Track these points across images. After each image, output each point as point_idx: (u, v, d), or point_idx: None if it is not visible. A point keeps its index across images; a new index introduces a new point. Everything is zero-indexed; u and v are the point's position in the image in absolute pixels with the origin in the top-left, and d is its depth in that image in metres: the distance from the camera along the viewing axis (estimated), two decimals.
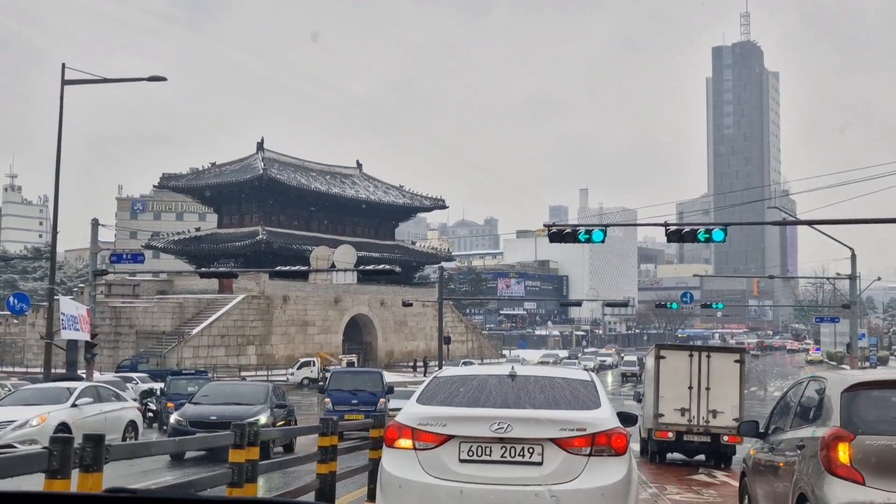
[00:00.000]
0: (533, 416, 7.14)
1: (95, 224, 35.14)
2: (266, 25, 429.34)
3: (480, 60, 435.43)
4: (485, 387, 7.71)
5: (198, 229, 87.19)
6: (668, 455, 20.96)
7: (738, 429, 9.81)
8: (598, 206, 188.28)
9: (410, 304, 69.64)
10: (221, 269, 41.11)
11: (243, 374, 66.96)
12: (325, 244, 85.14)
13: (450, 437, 7.11)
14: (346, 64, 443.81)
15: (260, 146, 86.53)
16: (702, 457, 20.45)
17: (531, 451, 7.03)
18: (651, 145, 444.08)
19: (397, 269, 30.31)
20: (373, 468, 11.94)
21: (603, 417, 7.27)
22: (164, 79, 24.91)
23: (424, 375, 75.22)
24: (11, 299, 28.81)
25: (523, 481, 6.96)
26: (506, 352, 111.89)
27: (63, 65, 24.46)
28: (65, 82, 24.53)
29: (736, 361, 20.08)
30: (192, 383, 31.58)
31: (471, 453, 7.08)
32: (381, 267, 30.39)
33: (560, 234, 23.86)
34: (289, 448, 20.55)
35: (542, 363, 72.03)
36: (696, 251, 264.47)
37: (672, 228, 23.42)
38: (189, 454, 18.87)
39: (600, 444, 7.06)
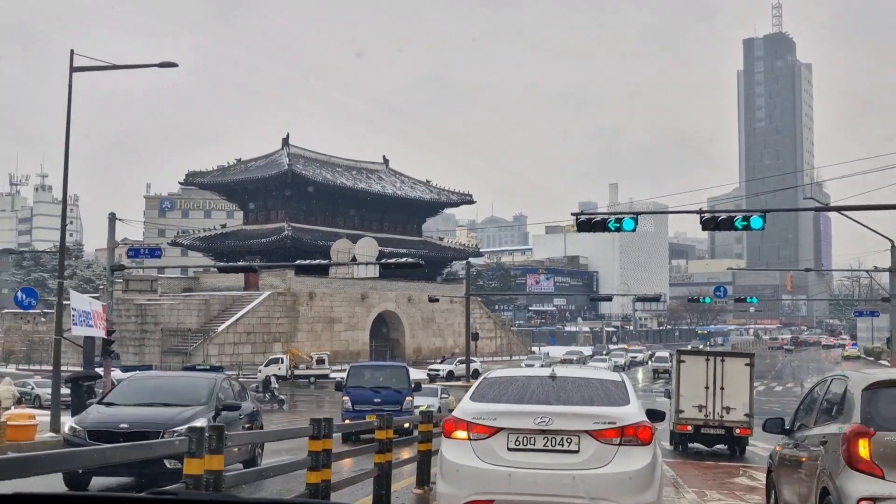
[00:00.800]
0: (570, 412, 8.21)
1: (113, 219, 34.36)
2: (293, 23, 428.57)
3: (512, 55, 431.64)
4: (529, 386, 8.80)
5: (223, 226, 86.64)
6: (690, 445, 24.09)
7: (764, 425, 9.99)
8: (628, 201, 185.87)
9: (437, 300, 68.50)
10: (241, 264, 39.70)
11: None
12: (351, 240, 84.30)
13: (499, 430, 8.21)
14: (376, 60, 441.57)
15: (285, 142, 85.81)
16: (724, 447, 23.40)
17: (569, 441, 8.12)
18: (682, 140, 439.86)
19: (421, 262, 29.06)
20: (420, 458, 13.41)
21: (631, 413, 8.33)
22: (174, 65, 23.99)
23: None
24: (20, 294, 28.02)
25: (562, 466, 8.06)
26: (534, 348, 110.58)
27: (71, 51, 23.60)
28: (73, 69, 23.66)
29: (746, 364, 23.07)
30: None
31: (517, 443, 8.19)
32: (403, 260, 29.25)
33: (589, 223, 22.69)
34: (251, 463, 14.92)
35: (565, 361, 70.80)
36: (727, 246, 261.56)
37: (707, 216, 22.16)
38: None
39: (628, 436, 8.12)
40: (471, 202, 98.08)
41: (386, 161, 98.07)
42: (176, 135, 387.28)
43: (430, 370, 68.93)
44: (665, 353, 76.22)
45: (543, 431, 8.15)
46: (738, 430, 22.47)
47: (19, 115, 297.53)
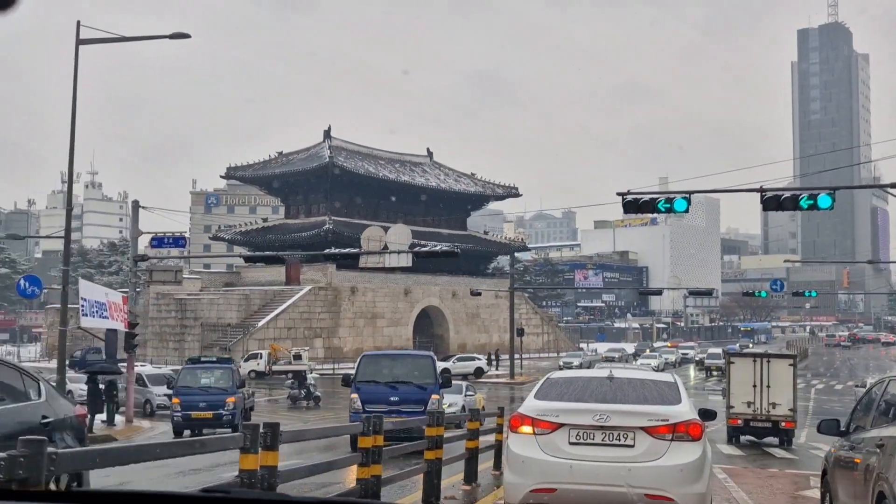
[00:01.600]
0: (626, 409, 8.83)
1: (136, 206, 32.97)
2: (346, 18, 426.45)
3: (567, 48, 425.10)
4: (588, 386, 9.50)
5: (265, 220, 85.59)
6: (742, 437, 26.46)
7: (819, 426, 9.91)
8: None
9: (479, 294, 66.63)
10: (267, 254, 37.05)
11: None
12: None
13: (561, 425, 8.85)
14: (428, 54, 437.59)
15: (327, 134, 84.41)
16: (774, 440, 25.78)
17: (625, 436, 8.72)
18: (735, 133, 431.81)
19: (457, 250, 26.94)
20: (469, 456, 14.01)
21: (683, 411, 8.93)
22: (187, 35, 22.30)
23: (496, 369, 72.15)
24: (23, 282, 26.59)
25: (619, 459, 8.64)
26: (582, 345, 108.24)
27: (77, 23, 22.08)
28: (79, 42, 22.10)
29: (790, 365, 25.67)
30: (208, 374, 28.32)
31: (578, 437, 8.80)
32: (437, 248, 27.23)
33: (636, 204, 20.58)
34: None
35: (607, 359, 68.52)
36: (781, 241, 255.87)
37: (769, 195, 19.91)
38: None
39: (680, 432, 8.70)
40: (516, 195, 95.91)
41: (430, 154, 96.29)
42: (221, 132, 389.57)
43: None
44: (717, 350, 73.53)
45: (601, 427, 8.77)
46: (783, 424, 25.00)
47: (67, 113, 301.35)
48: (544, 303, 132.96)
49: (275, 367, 55.77)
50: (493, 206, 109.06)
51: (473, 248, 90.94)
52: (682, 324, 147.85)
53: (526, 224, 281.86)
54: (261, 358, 60.77)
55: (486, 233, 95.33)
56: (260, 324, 70.75)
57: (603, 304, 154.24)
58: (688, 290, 58.37)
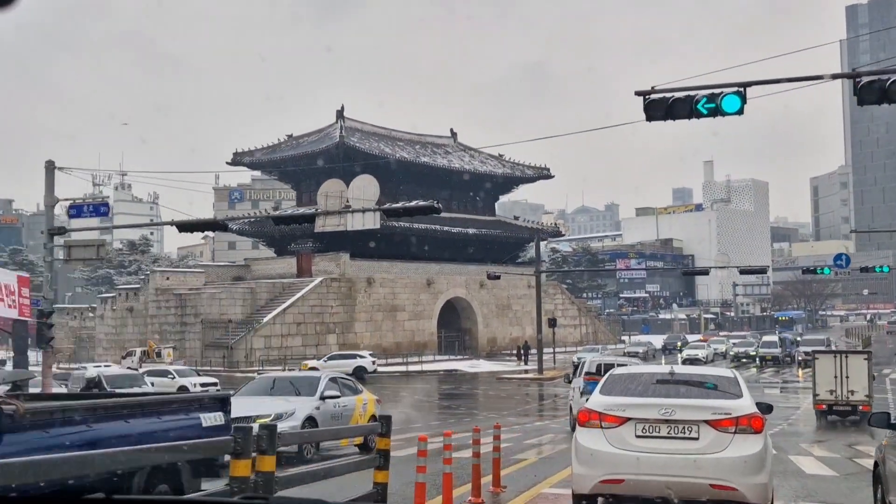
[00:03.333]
0: (691, 404, 9.32)
1: (51, 168, 26.79)
2: (395, 12, 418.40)
3: (613, 39, 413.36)
4: (651, 381, 10.03)
5: (275, 208, 79.67)
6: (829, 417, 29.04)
7: (869, 420, 10.04)
8: (724, 179, 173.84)
9: (498, 277, 59.88)
10: (216, 220, 30.15)
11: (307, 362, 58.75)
12: (415, 221, 76.19)
13: (628, 419, 9.31)
14: (474, 47, 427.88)
15: (340, 114, 78.14)
16: (856, 418, 28.15)
17: (690, 429, 9.14)
18: (782, 119, 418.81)
19: (437, 205, 20.40)
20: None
21: (745, 405, 9.39)
22: None
23: (525, 364, 65.49)
24: None
25: (684, 451, 9.07)
26: (625, 337, 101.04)
27: None
28: None
29: (864, 359, 29.48)
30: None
31: (644, 431, 9.25)
32: (413, 204, 20.70)
33: (665, 105, 13.82)
34: None
35: (629, 354, 61.94)
36: (833, 227, 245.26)
37: (866, 79, 13.04)
38: None
39: (742, 425, 9.12)
40: (548, 176, 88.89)
41: (454, 135, 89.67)
42: (254, 129, 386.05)
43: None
44: (773, 338, 66.18)
45: (667, 421, 9.12)
46: (861, 407, 28.11)
47: (98, 115, 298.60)
48: (584, 294, 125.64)
49: (145, 367, 48.90)
50: (531, 197, 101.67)
51: (502, 235, 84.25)
52: (732, 313, 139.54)
53: (568, 218, 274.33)
54: (134, 355, 55.10)
55: (516, 218, 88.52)
56: (265, 319, 64.71)
57: (647, 295, 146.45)
58: (739, 268, 51.08)
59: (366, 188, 20.46)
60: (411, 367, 61.12)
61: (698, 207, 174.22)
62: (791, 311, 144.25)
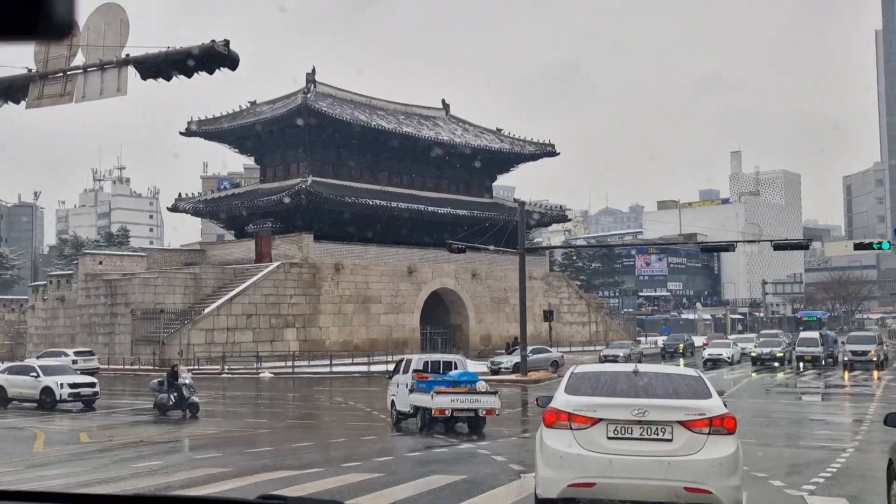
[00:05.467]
0: (664, 404, 8.92)
1: None
2: (424, 9, 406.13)
3: (647, 38, 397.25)
4: (616, 380, 9.52)
5: (236, 185, 69.69)
6: None
7: (886, 419, 9.88)
8: (753, 171, 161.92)
9: (462, 250, 48.88)
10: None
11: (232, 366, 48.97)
12: (395, 200, 66.09)
13: (599, 420, 8.89)
14: (506, 46, 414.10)
15: (311, 78, 68.15)
16: None
17: (663, 430, 8.81)
18: (815, 115, 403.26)
19: (221, 46, 10.51)
20: None
21: (717, 405, 9.06)
22: None
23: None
24: None
25: (658, 454, 8.75)
26: (641, 339, 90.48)
27: None
28: None
29: None
30: None
31: (616, 432, 8.86)
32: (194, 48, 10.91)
33: None
34: None
35: (606, 358, 51.86)
36: (868, 228, 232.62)
37: None
38: None
39: (716, 426, 8.82)
40: (553, 154, 78.42)
41: (446, 107, 79.46)
42: None
43: (492, 362, 50.58)
44: (812, 335, 55.21)
45: (640, 422, 8.77)
46: None
47: (94, 107, 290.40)
48: (600, 292, 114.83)
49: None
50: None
51: (498, 218, 73.73)
52: (761, 314, 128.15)
53: (591, 220, 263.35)
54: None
55: (515, 200, 77.98)
56: (207, 310, 54.70)
57: (668, 294, 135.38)
58: (773, 242, 40.53)
59: (107, 28, 11.16)
60: (358, 368, 50.87)
61: (725, 202, 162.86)
62: (817, 311, 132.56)
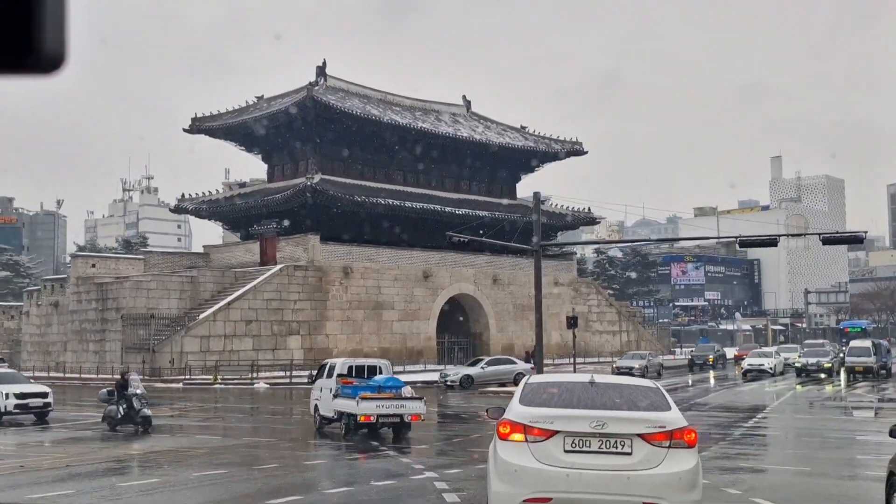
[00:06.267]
0: (624, 416, 8.58)
1: None
2: (462, 20, 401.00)
3: (686, 47, 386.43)
4: (573, 391, 9.17)
5: (242, 185, 65.96)
6: None
7: (891, 431, 9.65)
8: (794, 176, 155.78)
9: (464, 242, 44.56)
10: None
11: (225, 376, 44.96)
12: (410, 199, 61.98)
13: (556, 432, 8.51)
14: (543, 57, 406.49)
15: (321, 71, 64.38)
16: None
17: (622, 443, 8.45)
18: (858, 123, 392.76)
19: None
20: None
21: (677, 417, 8.76)
22: None
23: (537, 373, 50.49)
24: None
25: (617, 467, 8.40)
26: (676, 349, 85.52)
27: None
28: None
29: None
30: None
31: (574, 445, 8.49)
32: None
33: None
34: None
35: (620, 370, 46.78)
36: None
37: None
38: None
39: (676, 439, 8.49)
40: (581, 152, 73.93)
41: (467, 103, 75.24)
42: None
43: (441, 374, 46.51)
44: (864, 344, 50.27)
45: (598, 435, 8.43)
46: None
47: (124, 115, 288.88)
48: (634, 301, 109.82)
49: None
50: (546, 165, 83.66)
51: (522, 220, 69.36)
52: (804, 324, 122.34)
53: (628, 231, 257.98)
54: None
55: (542, 202, 73.44)
56: (203, 315, 50.82)
57: (706, 303, 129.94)
58: (822, 235, 35.83)
59: None
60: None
61: (765, 209, 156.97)
62: (862, 321, 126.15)
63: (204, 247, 68.29)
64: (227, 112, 64.40)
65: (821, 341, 75.77)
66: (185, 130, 64.14)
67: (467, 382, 43.18)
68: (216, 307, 51.32)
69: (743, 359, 66.46)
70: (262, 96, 64.70)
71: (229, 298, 52.07)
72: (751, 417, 27.26)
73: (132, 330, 50.24)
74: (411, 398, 21.74)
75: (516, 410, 8.85)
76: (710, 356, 60.61)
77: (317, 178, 57.85)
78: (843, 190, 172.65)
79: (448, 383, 43.41)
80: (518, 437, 8.57)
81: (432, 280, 62.60)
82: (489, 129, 71.88)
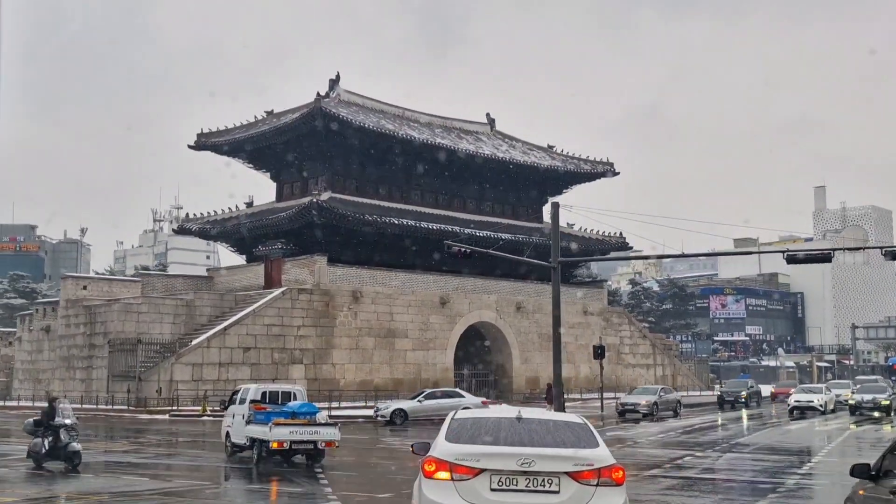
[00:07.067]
0: (552, 454, 8.39)
1: None
2: (504, 52, 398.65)
3: (730, 80, 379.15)
4: (499, 427, 8.88)
5: (249, 204, 62.20)
6: None
7: (852, 470, 9.03)
8: (839, 207, 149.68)
9: (468, 255, 39.90)
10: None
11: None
12: (428, 220, 57.84)
13: (483, 470, 8.31)
14: (585, 87, 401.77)
15: (334, 84, 60.78)
16: None
17: (550, 482, 8.30)
18: None
19: None
20: None
21: (605, 455, 8.56)
22: None
23: (559, 410, 45.66)
24: None
25: None
26: (716, 386, 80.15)
27: None
28: None
29: None
30: None
31: (500, 483, 8.31)
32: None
33: None
34: None
35: (625, 408, 41.56)
36: None
37: None
38: None
39: (605, 477, 8.37)
40: (613, 173, 69.42)
41: (491, 121, 71.21)
42: None
43: (375, 409, 41.78)
44: None
45: (526, 473, 8.25)
46: None
47: (154, 146, 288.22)
48: (671, 335, 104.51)
49: None
50: (577, 186, 76.66)
51: (548, 243, 64.88)
52: (851, 361, 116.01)
53: (666, 266, 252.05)
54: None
55: (570, 225, 69.10)
56: (196, 341, 46.77)
57: (747, 338, 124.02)
58: (885, 248, 31.01)
59: None
60: (369, 412, 42.18)
61: (808, 241, 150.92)
62: None
63: (208, 270, 64.54)
64: (235, 127, 60.92)
65: (875, 377, 70.13)
66: (190, 147, 60.72)
67: (400, 418, 38.31)
68: (211, 332, 47.28)
69: (780, 397, 61.28)
70: (272, 111, 61.10)
71: (225, 323, 48.03)
72: (804, 462, 22.60)
73: (119, 356, 46.29)
74: (325, 424, 21.28)
75: (442, 448, 8.66)
76: (743, 392, 54.63)
77: (325, 195, 53.98)
78: (890, 221, 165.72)
79: (378, 418, 38.90)
80: (444, 475, 8.42)
81: (450, 307, 58.19)
82: (514, 148, 67.72)
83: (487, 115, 71.06)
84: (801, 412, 44.77)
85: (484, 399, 42.77)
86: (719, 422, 41.01)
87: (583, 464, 8.29)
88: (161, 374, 44.85)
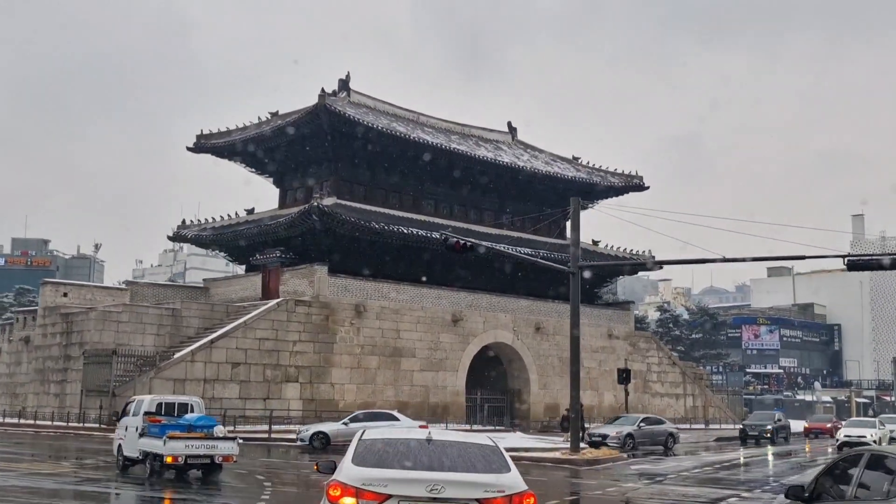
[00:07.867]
0: (462, 480, 8.03)
1: None
2: (541, 79, 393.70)
3: (769, 111, 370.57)
4: (409, 449, 8.48)
5: (249, 211, 58.05)
6: None
7: (786, 492, 9.11)
8: (878, 236, 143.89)
9: (468, 248, 35.20)
10: None
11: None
12: (438, 231, 53.36)
13: (390, 496, 7.86)
14: (621, 117, 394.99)
15: (344, 84, 56.78)
16: None
17: None
18: None
19: None
20: None
21: (517, 481, 8.23)
22: None
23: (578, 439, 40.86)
24: None
25: None
26: (749, 419, 74.77)
27: None
28: None
29: None
30: None
31: None
32: None
33: None
34: None
35: (593, 439, 36.64)
36: None
37: None
38: None
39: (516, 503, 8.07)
40: (642, 187, 64.81)
41: (512, 130, 66.93)
42: None
43: (297, 432, 36.96)
44: None
45: (435, 500, 7.92)
46: None
47: (172, 167, 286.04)
48: (701, 365, 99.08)
49: None
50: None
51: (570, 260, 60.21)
52: (892, 397, 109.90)
53: (694, 298, 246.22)
54: None
55: (595, 242, 64.43)
56: (178, 355, 42.48)
57: (781, 371, 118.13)
58: None
59: None
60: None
61: (844, 271, 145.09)
62: None
63: (204, 280, 60.46)
64: (237, 129, 56.98)
65: None
66: (188, 149, 56.80)
67: (321, 442, 33.81)
68: (196, 345, 43.00)
69: (813, 433, 56.13)
70: (277, 112, 57.08)
71: (212, 336, 43.74)
72: None
73: (94, 369, 42.07)
74: (224, 438, 20.64)
75: (348, 471, 8.21)
76: (769, 426, 48.84)
77: (328, 200, 49.74)
78: None
79: (298, 441, 34.36)
80: (349, 500, 7.93)
81: (462, 325, 53.61)
82: (536, 158, 63.32)
83: (509, 123, 66.82)
84: (851, 448, 39.75)
85: (422, 423, 36.70)
86: (742, 459, 35.48)
87: (494, 490, 8.01)
88: (138, 390, 40.45)
